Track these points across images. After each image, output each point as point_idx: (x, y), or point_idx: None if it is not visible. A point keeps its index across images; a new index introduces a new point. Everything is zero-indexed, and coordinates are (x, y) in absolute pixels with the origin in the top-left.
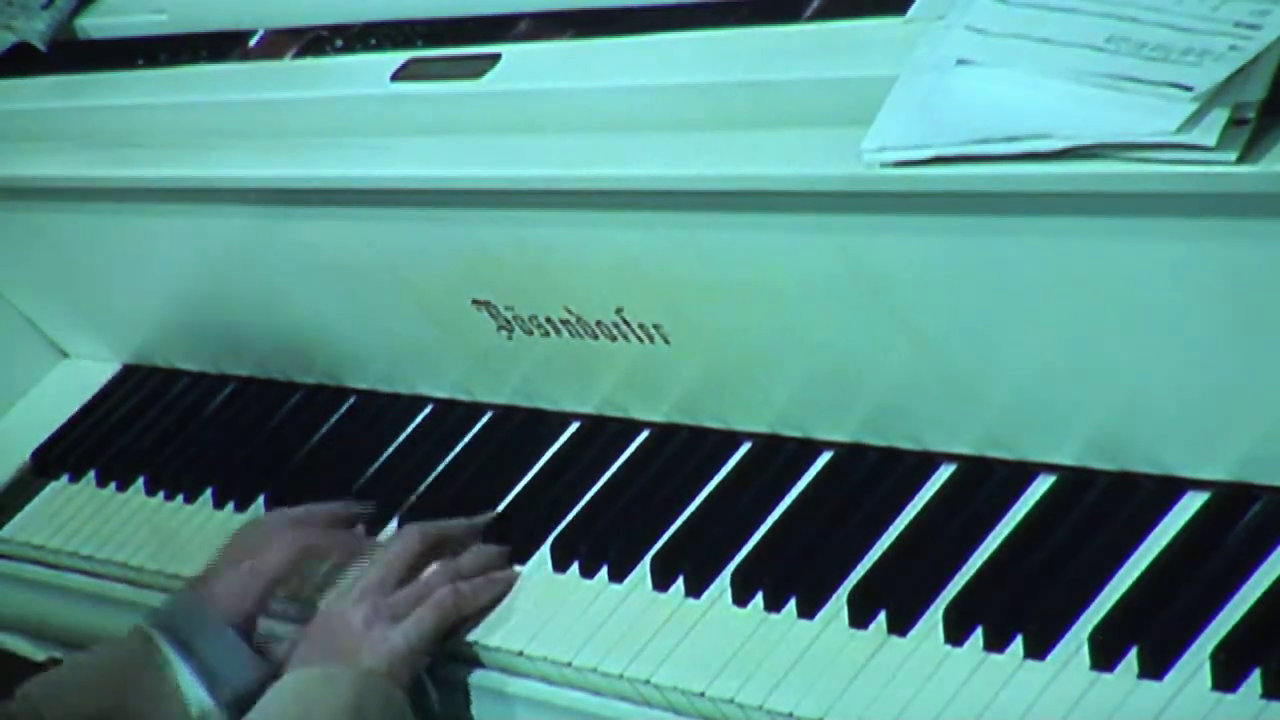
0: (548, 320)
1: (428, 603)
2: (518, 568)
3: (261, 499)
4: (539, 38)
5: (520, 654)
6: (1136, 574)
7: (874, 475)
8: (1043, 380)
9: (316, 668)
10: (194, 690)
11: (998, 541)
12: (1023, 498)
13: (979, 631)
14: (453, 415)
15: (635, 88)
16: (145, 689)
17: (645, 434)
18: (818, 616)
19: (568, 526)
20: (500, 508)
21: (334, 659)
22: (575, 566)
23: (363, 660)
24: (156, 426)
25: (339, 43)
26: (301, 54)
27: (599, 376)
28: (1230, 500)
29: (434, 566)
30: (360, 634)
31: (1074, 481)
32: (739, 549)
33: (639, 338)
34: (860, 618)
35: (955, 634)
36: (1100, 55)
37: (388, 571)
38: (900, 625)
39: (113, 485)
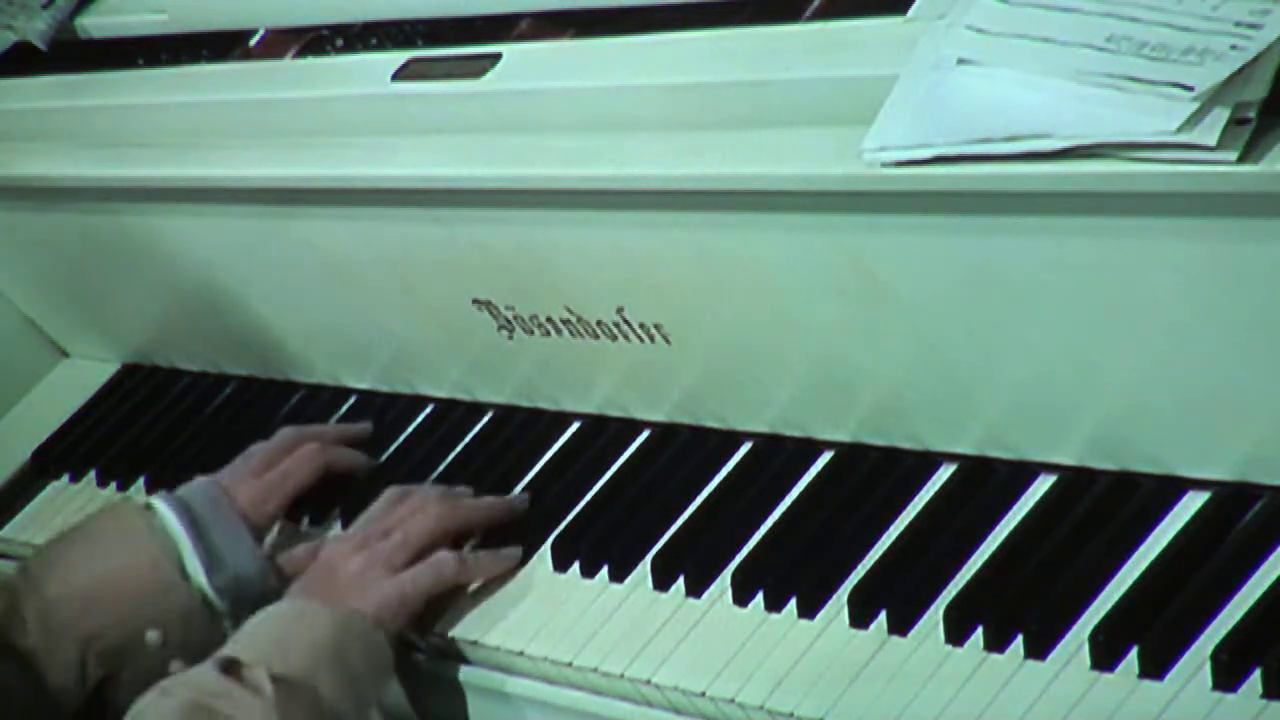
0: (548, 320)
1: (428, 561)
2: (511, 549)
3: None
4: (540, 37)
5: (521, 654)
6: (1136, 574)
7: (874, 475)
8: (1043, 380)
9: (303, 601)
10: (195, 570)
11: (998, 541)
12: (1023, 498)
13: (979, 631)
14: (453, 415)
15: (635, 88)
16: (142, 562)
17: (646, 434)
18: (818, 616)
19: (568, 526)
20: None
21: (325, 599)
22: (576, 566)
23: (350, 601)
24: (156, 426)
25: (340, 42)
26: (302, 54)
27: (600, 376)
28: (1230, 500)
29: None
30: (354, 578)
31: (1074, 481)
32: (739, 549)
33: (639, 337)
34: (861, 618)
35: (955, 634)
36: (1101, 55)
37: (402, 537)
38: (901, 625)
39: (113, 485)
